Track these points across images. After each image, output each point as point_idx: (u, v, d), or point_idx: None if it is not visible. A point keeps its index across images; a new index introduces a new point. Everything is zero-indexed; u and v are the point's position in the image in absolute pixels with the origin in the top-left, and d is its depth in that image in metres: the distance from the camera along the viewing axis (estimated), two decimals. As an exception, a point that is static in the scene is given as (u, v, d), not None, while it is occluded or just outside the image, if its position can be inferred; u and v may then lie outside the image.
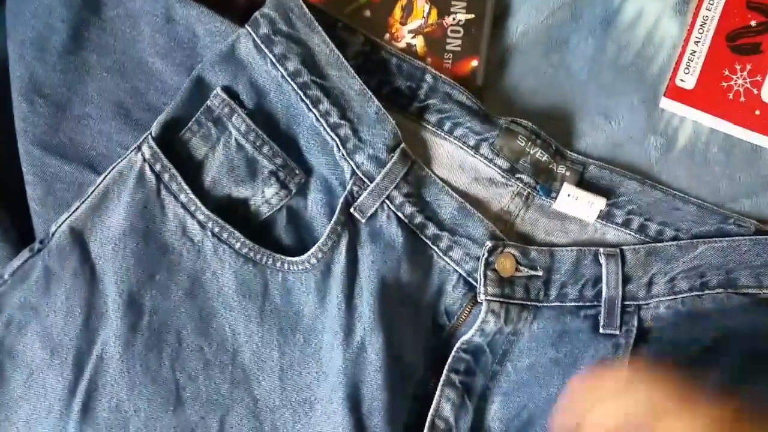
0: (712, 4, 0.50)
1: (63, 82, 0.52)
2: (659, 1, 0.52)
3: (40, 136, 0.52)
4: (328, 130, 0.49)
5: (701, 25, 0.50)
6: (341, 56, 0.48)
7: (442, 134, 0.51)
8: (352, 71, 0.48)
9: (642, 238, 0.51)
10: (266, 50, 0.49)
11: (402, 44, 0.51)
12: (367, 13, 0.50)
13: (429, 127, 0.51)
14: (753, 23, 0.50)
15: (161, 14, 0.53)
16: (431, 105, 0.51)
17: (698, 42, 0.50)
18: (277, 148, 0.50)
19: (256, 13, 0.49)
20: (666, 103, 0.52)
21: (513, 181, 0.51)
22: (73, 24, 0.52)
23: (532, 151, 0.50)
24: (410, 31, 0.51)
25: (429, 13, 0.50)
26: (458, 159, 0.51)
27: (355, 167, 0.49)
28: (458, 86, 0.50)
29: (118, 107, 0.53)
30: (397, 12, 0.50)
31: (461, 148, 0.51)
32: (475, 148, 0.51)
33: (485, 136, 0.51)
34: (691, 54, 0.50)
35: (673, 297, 0.49)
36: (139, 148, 0.49)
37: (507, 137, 0.50)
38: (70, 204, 0.50)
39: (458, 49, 0.51)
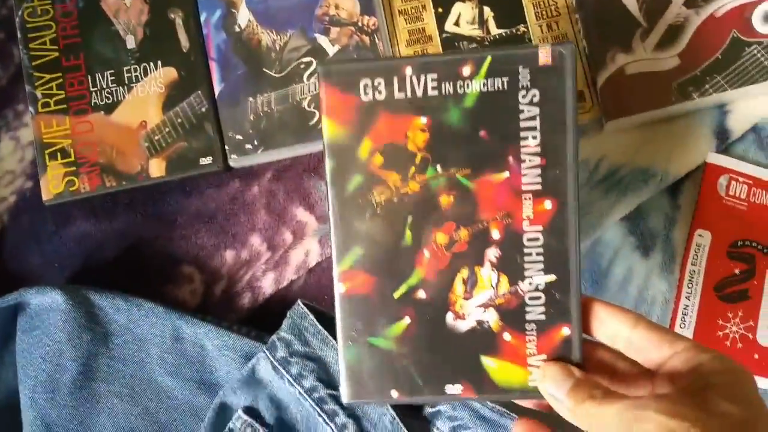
0: (697, 259, 0.54)
1: (74, 418, 0.51)
2: (646, 262, 0.55)
3: (53, 481, 0.50)
4: None
5: (689, 281, 0.54)
6: None
7: None
8: None
9: None
10: (283, 371, 0.50)
11: (471, 322, 0.40)
12: (421, 294, 0.40)
13: None
14: (737, 272, 0.53)
15: (169, 335, 0.53)
16: (443, 411, 0.50)
17: (689, 296, 0.53)
18: None
19: (274, 336, 0.50)
20: None
21: None
22: (82, 360, 0.52)
23: None
24: (479, 306, 0.40)
25: (498, 282, 0.40)
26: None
27: None
28: None
29: (131, 433, 0.52)
30: (458, 286, 0.40)
31: None
32: None
33: None
34: (684, 309, 0.53)
35: None
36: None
37: None
38: None
39: (542, 317, 0.41)
